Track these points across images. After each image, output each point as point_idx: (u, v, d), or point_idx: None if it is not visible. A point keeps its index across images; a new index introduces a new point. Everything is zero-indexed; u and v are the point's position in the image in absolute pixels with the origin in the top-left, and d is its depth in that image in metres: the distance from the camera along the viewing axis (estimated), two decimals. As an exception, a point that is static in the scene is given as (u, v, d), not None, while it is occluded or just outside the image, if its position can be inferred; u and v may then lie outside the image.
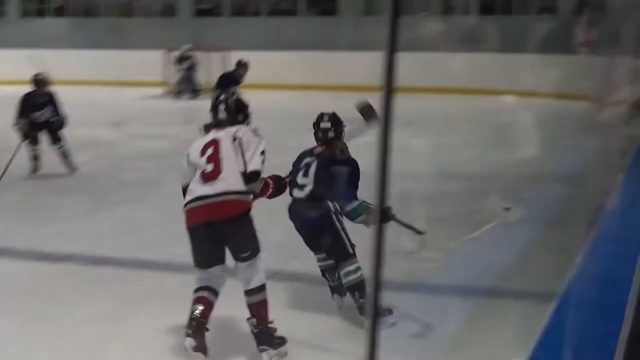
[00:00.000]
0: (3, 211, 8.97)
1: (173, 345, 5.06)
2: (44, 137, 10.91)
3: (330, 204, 5.41)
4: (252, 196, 4.98)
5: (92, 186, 10.27)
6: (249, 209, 4.91)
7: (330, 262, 5.59)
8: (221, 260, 4.98)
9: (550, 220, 7.82)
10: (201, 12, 26.72)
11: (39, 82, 10.82)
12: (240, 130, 5.04)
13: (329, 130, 5.60)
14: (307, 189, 5.44)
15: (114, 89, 22.59)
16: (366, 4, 24.39)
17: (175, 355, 4.93)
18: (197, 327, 4.79)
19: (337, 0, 25.27)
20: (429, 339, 5.20)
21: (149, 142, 14.21)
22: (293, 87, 21.37)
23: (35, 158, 10.81)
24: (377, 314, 1.63)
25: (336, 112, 5.71)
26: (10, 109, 10.74)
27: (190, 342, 4.73)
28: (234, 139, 4.95)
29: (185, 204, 4.97)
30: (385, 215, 5.12)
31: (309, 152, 5.61)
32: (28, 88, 10.85)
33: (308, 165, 5.49)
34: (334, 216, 5.41)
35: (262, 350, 4.83)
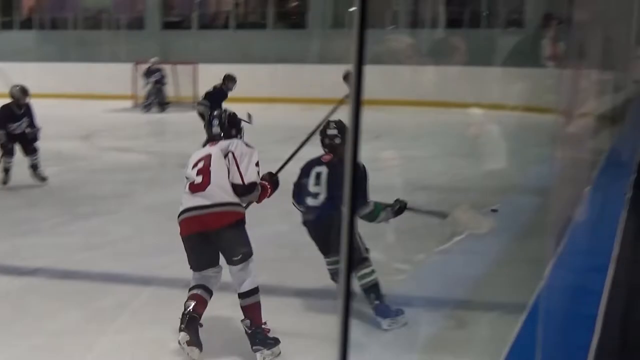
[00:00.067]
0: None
1: (142, 359, 5.03)
2: (17, 149, 10.85)
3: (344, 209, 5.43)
4: (243, 206, 5.16)
5: (61, 199, 10.20)
6: (240, 219, 5.10)
7: (339, 266, 5.61)
8: (214, 263, 5.18)
9: (519, 232, 7.86)
10: (169, 25, 26.65)
11: (18, 93, 10.78)
12: (233, 143, 5.21)
13: (336, 136, 5.77)
14: (321, 197, 5.63)
15: (82, 102, 22.48)
16: (334, 18, 24.47)
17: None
18: (190, 321, 4.97)
19: (305, 13, 25.33)
20: (399, 350, 5.20)
21: (118, 155, 14.16)
22: (262, 100, 21.33)
23: (7, 170, 10.75)
24: (347, 321, 1.63)
25: (342, 120, 5.86)
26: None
27: (184, 336, 4.92)
28: (227, 153, 5.12)
29: (178, 215, 5.16)
30: (401, 208, 5.30)
31: (316, 161, 5.77)
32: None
33: (319, 174, 5.67)
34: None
35: (256, 350, 4.99)
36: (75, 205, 9.83)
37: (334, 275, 5.83)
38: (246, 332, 5.03)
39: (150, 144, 16.69)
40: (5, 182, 10.73)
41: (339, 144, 5.74)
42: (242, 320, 5.05)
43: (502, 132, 10.89)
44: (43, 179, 10.96)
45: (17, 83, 11.00)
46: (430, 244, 7.16)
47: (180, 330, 4.95)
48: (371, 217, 5.70)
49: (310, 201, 5.68)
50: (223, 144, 5.23)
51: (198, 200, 5.05)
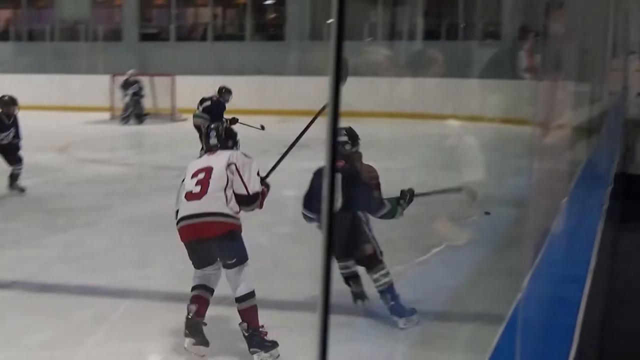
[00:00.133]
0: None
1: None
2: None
3: (360, 214, 5.81)
4: (239, 217, 5.30)
5: (38, 211, 10.12)
6: (233, 229, 5.24)
7: (354, 270, 5.98)
8: (214, 261, 5.31)
9: (497, 243, 7.89)
10: (147, 37, 26.61)
11: (7, 102, 10.76)
12: (233, 155, 5.37)
13: (347, 143, 5.92)
14: (338, 203, 5.66)
15: (60, 114, 22.38)
16: (312, 29, 24.52)
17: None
18: (194, 326, 5.18)
19: (283, 25, 25.37)
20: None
21: (95, 167, 14.09)
22: (240, 112, 21.20)
23: None
24: (326, 328, 1.62)
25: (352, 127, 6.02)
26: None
27: (189, 341, 5.13)
28: (228, 165, 5.27)
29: (177, 222, 5.31)
30: (411, 197, 5.48)
31: None
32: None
33: None
34: (365, 226, 5.83)
35: (253, 353, 5.11)
36: (53, 218, 9.77)
37: (347, 278, 6.02)
38: (244, 335, 5.14)
39: (128, 156, 16.63)
40: None
41: (350, 150, 5.92)
42: (239, 324, 5.16)
43: (479, 143, 10.93)
44: (22, 189, 10.92)
45: (5, 93, 11.02)
46: (409, 255, 7.17)
47: (186, 335, 5.15)
48: (390, 215, 5.94)
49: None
50: (224, 155, 5.38)
51: (193, 208, 5.20)
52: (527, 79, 16.83)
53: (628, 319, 5.96)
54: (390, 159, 13.15)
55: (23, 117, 11.11)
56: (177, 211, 5.32)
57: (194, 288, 5.33)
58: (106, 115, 22.19)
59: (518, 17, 21.53)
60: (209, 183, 5.22)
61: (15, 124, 10.84)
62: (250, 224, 6.36)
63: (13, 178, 10.87)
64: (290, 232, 8.16)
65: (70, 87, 23.45)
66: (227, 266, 5.21)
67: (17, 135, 10.86)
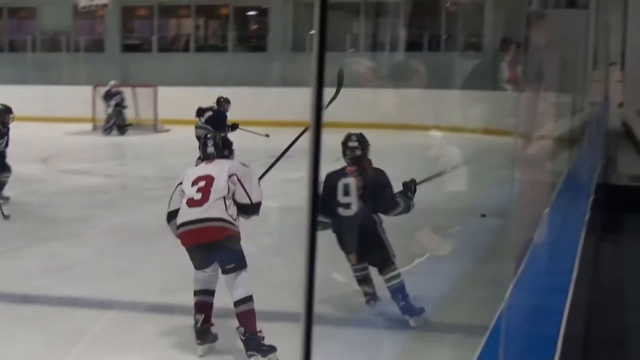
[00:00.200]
0: None
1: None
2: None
3: (375, 217, 6.04)
4: (237, 224, 5.44)
5: (20, 222, 10.04)
6: (232, 235, 5.39)
7: (366, 272, 6.21)
8: (212, 262, 5.45)
9: (480, 254, 7.90)
10: (129, 48, 26.57)
11: (2, 111, 10.76)
12: (233, 165, 5.55)
13: (357, 148, 6.17)
14: (354, 207, 5.99)
15: (41, 125, 22.27)
16: (295, 40, 24.55)
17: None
18: (205, 332, 5.41)
19: (266, 36, 25.39)
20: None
21: (77, 178, 14.03)
22: (222, 123, 21.28)
23: None
24: (309, 339, 1.62)
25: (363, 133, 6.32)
26: None
27: (203, 349, 5.38)
28: (230, 176, 5.44)
29: (177, 227, 5.44)
30: (415, 188, 5.66)
31: (341, 173, 6.10)
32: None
33: (347, 185, 6.02)
34: (379, 228, 6.05)
35: (250, 356, 5.19)
36: (35, 229, 9.70)
37: (360, 281, 6.26)
38: (241, 339, 5.22)
39: (110, 166, 16.58)
40: None
41: (360, 155, 6.13)
42: (237, 328, 5.24)
43: (462, 154, 10.95)
44: (6, 198, 10.85)
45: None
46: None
47: (198, 344, 5.37)
48: (406, 211, 6.22)
49: (342, 212, 6.00)
50: (223, 165, 5.56)
51: (194, 214, 5.35)
52: (509, 90, 16.93)
53: (610, 329, 5.98)
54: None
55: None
56: (169, 213, 5.52)
57: (196, 293, 5.49)
58: (88, 126, 22.11)
59: (500, 28, 21.63)
60: (210, 191, 5.37)
61: (7, 133, 10.83)
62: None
63: (0, 186, 10.83)
64: (273, 242, 8.16)
65: (52, 98, 23.34)
66: (226, 271, 5.34)
67: (6, 144, 10.85)
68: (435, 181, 7.12)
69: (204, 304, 5.46)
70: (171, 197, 5.56)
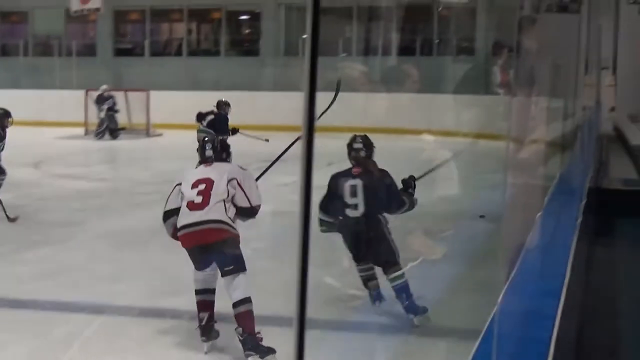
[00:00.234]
0: None
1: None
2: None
3: (381, 217, 6.15)
4: (236, 227, 5.57)
5: (12, 227, 10.02)
6: (231, 237, 5.51)
7: (372, 272, 6.30)
8: (211, 263, 5.55)
9: (472, 258, 7.91)
10: (121, 52, 26.55)
11: (1, 115, 10.73)
12: (232, 170, 5.68)
13: (362, 150, 6.33)
14: (361, 208, 6.10)
15: (33, 129, 22.21)
16: (287, 45, 24.55)
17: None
18: (210, 330, 5.53)
19: (258, 40, 25.38)
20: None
21: (70, 182, 14.01)
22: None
23: None
24: (302, 343, 1.62)
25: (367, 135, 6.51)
26: None
27: (209, 345, 5.51)
28: (229, 180, 5.55)
29: (177, 230, 5.55)
30: (414, 184, 5.72)
31: (347, 174, 6.24)
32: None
33: (354, 186, 6.14)
34: (385, 229, 6.17)
35: (247, 356, 5.30)
36: (27, 233, 9.67)
37: (365, 281, 6.36)
38: (239, 339, 5.32)
39: (102, 171, 16.57)
40: None
41: (365, 156, 6.27)
42: (235, 329, 5.34)
43: (454, 158, 10.95)
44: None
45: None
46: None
47: (203, 341, 5.50)
48: (410, 209, 6.40)
49: (349, 212, 6.11)
50: (221, 168, 5.69)
51: (195, 217, 5.47)
52: (501, 94, 16.93)
53: (603, 333, 5.99)
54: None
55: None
56: (166, 212, 5.64)
57: (197, 292, 5.61)
58: (80, 130, 22.09)
59: (492, 33, 21.66)
60: (210, 194, 5.48)
61: (6, 136, 10.81)
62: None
63: None
64: (266, 246, 8.15)
65: (44, 103, 23.29)
66: (225, 273, 5.43)
67: (3, 147, 10.83)
68: (428, 185, 7.13)
69: (206, 303, 5.57)
70: (168, 196, 5.65)
